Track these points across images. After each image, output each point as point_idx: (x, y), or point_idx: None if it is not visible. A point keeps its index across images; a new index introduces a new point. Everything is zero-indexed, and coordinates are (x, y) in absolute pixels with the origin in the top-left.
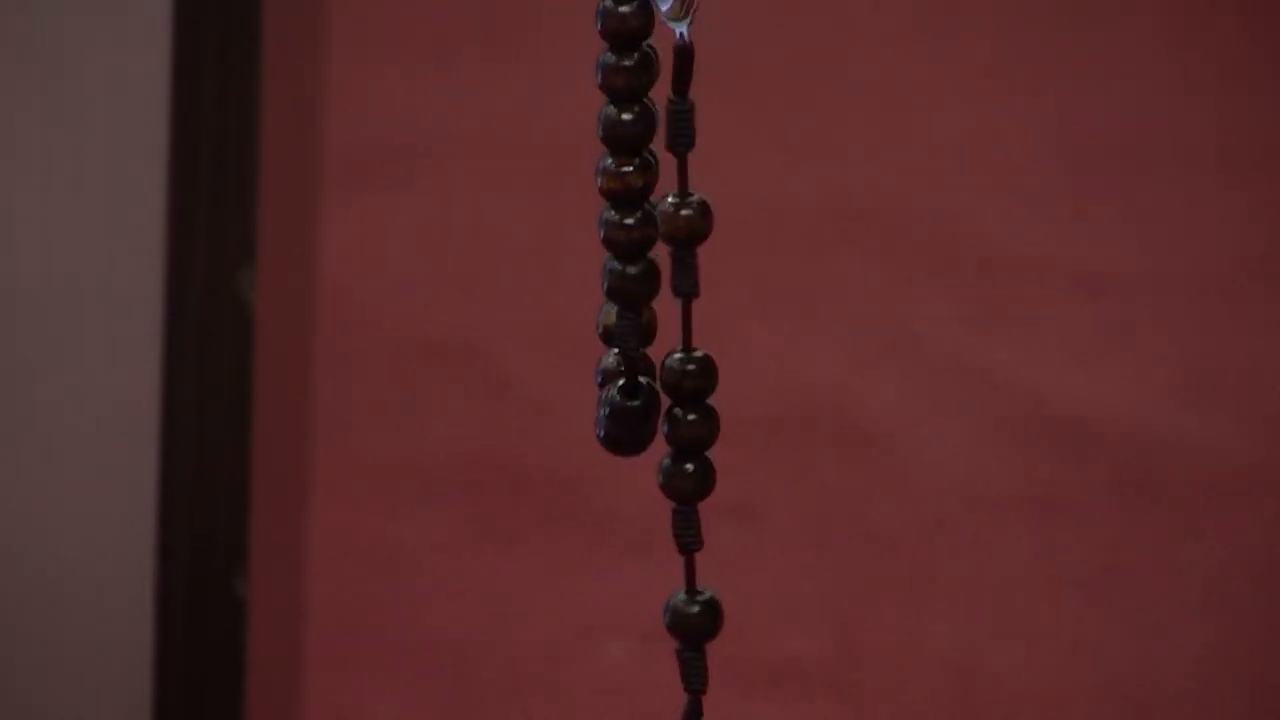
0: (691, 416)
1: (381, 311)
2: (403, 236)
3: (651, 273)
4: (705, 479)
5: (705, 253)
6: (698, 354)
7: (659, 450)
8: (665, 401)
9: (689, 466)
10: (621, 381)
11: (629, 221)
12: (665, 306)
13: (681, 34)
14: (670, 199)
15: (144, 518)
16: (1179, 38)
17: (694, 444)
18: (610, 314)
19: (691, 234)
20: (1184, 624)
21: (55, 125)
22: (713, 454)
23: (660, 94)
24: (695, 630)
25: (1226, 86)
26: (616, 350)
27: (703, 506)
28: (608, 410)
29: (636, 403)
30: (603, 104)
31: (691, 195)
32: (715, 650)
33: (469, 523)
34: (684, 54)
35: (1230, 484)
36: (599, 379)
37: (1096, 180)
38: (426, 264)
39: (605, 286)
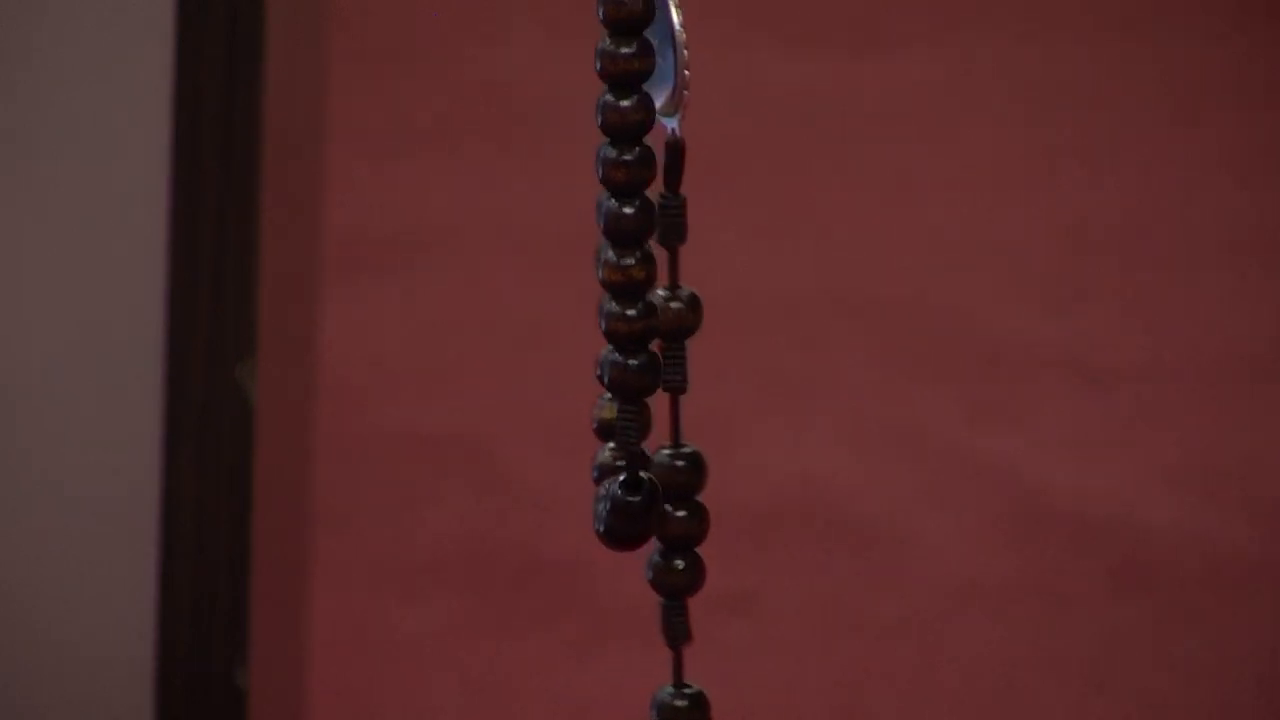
0: (681, 513)
1: (381, 402)
2: (402, 328)
3: (654, 366)
4: (695, 575)
5: (707, 345)
6: (687, 449)
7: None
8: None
9: (679, 562)
10: (623, 476)
11: (631, 313)
12: (655, 399)
13: (673, 129)
14: (661, 292)
15: (144, 608)
16: (1181, 130)
17: (683, 540)
18: (607, 407)
19: (681, 327)
20: (1183, 715)
21: (56, 216)
22: (705, 548)
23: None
24: None
25: (1229, 179)
26: (613, 445)
27: (702, 598)
28: (608, 505)
29: (637, 498)
30: (602, 197)
31: (681, 288)
32: None
33: (469, 613)
34: (675, 149)
35: (1230, 576)
36: (596, 474)
37: (1098, 273)
38: (426, 355)
39: (605, 379)
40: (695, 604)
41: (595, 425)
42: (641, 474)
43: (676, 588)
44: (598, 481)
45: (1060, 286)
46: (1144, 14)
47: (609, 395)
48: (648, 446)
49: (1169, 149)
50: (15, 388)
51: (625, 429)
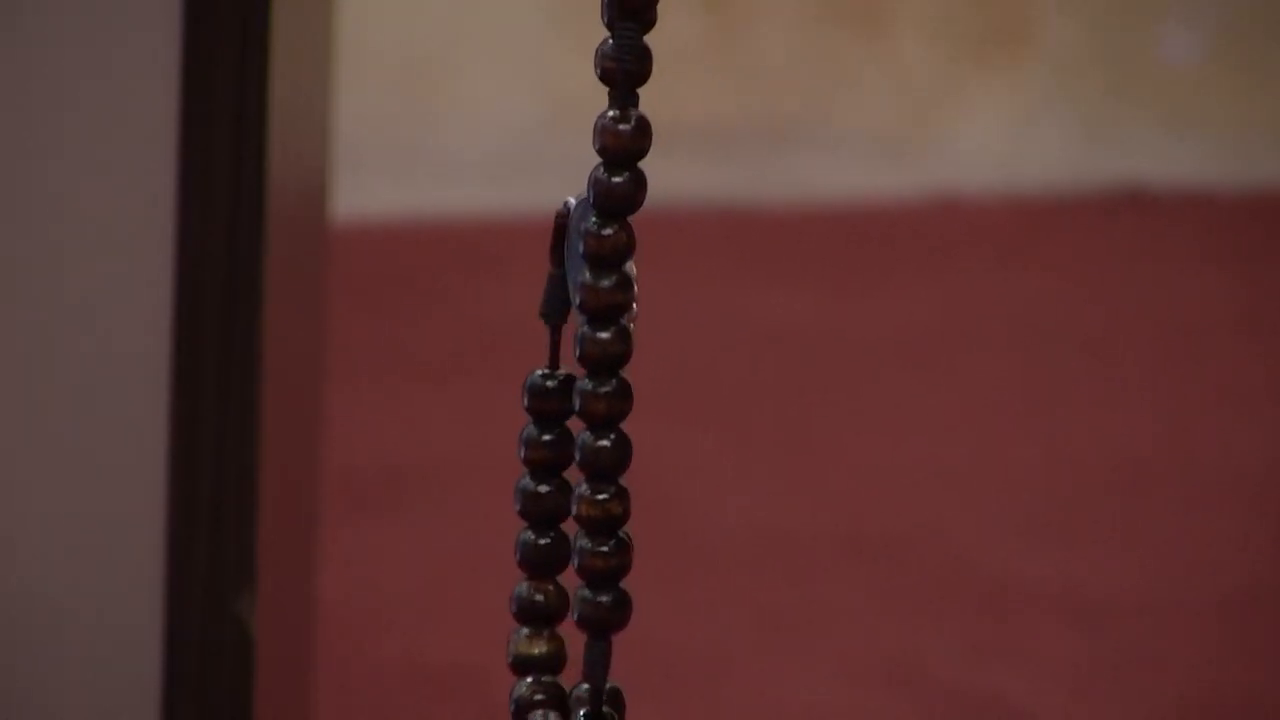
0: None
1: (381, 635)
2: (401, 559)
3: (625, 601)
4: None
5: (704, 580)
6: (610, 686)
7: None
8: None
9: None
10: (584, 711)
11: (604, 549)
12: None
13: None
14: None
15: None
16: (1176, 363)
17: None
18: (521, 640)
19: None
20: None
21: (58, 450)
22: None
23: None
24: None
25: (1228, 414)
26: (530, 679)
27: None
28: None
29: None
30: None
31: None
32: None
33: None
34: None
35: None
36: (514, 708)
37: (1095, 506)
38: (425, 586)
39: (576, 615)
40: None
41: (510, 659)
42: (605, 709)
43: None
44: (516, 716)
45: (1058, 520)
46: (1141, 247)
47: (525, 630)
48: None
49: (1167, 383)
50: (14, 625)
51: (594, 664)
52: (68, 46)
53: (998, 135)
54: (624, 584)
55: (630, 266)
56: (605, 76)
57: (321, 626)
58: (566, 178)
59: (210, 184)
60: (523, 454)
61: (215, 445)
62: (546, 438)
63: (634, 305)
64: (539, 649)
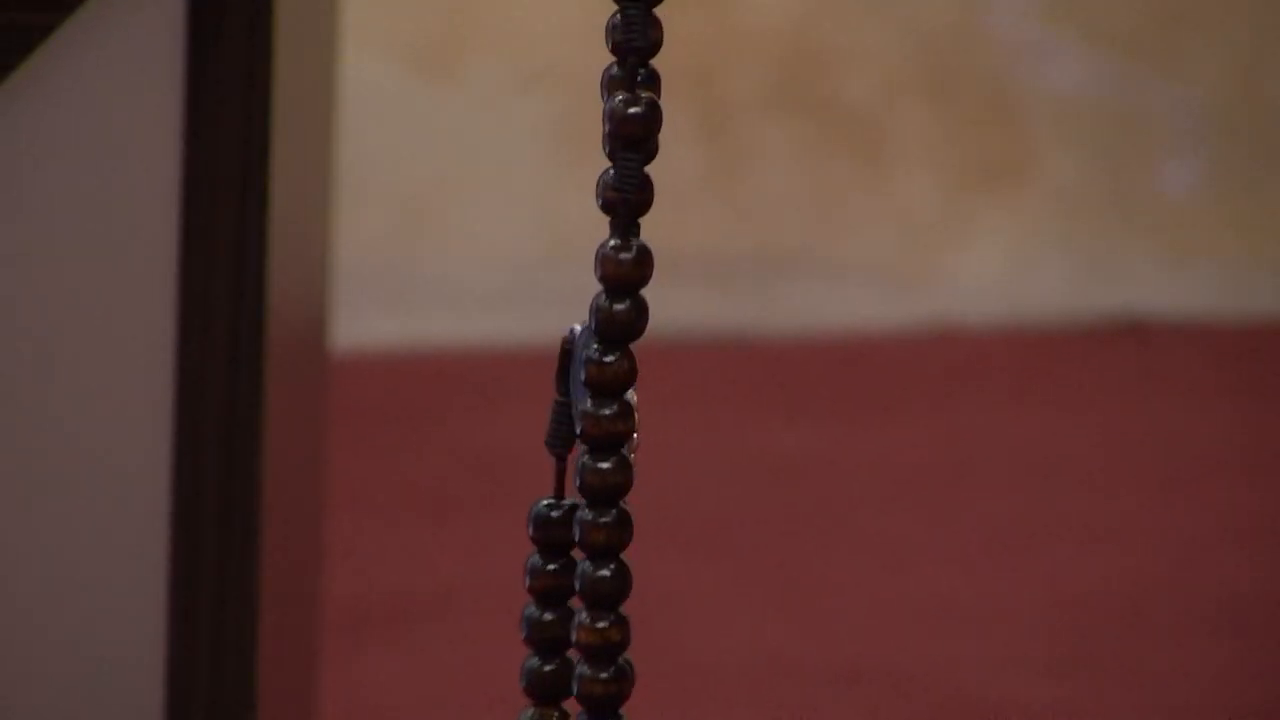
0: None
1: None
2: (402, 689)
3: None
4: None
5: (707, 709)
6: None
7: None
8: None
9: None
10: None
11: (604, 676)
12: None
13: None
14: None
15: None
16: (1176, 495)
17: None
18: None
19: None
20: None
21: (57, 578)
22: None
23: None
24: None
25: (1223, 544)
26: None
27: None
28: None
29: None
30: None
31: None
32: None
33: None
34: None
35: None
36: None
37: (1095, 638)
38: (426, 718)
39: None
40: None
41: None
42: None
43: None
44: None
45: (1058, 653)
46: (1141, 379)
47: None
48: None
49: (1167, 515)
50: None
51: None
52: (66, 169)
53: (997, 267)
54: (623, 711)
55: (631, 395)
56: (607, 206)
57: None
58: (565, 309)
59: (210, 314)
60: (528, 583)
61: (216, 575)
62: (551, 567)
63: (635, 434)
64: None
